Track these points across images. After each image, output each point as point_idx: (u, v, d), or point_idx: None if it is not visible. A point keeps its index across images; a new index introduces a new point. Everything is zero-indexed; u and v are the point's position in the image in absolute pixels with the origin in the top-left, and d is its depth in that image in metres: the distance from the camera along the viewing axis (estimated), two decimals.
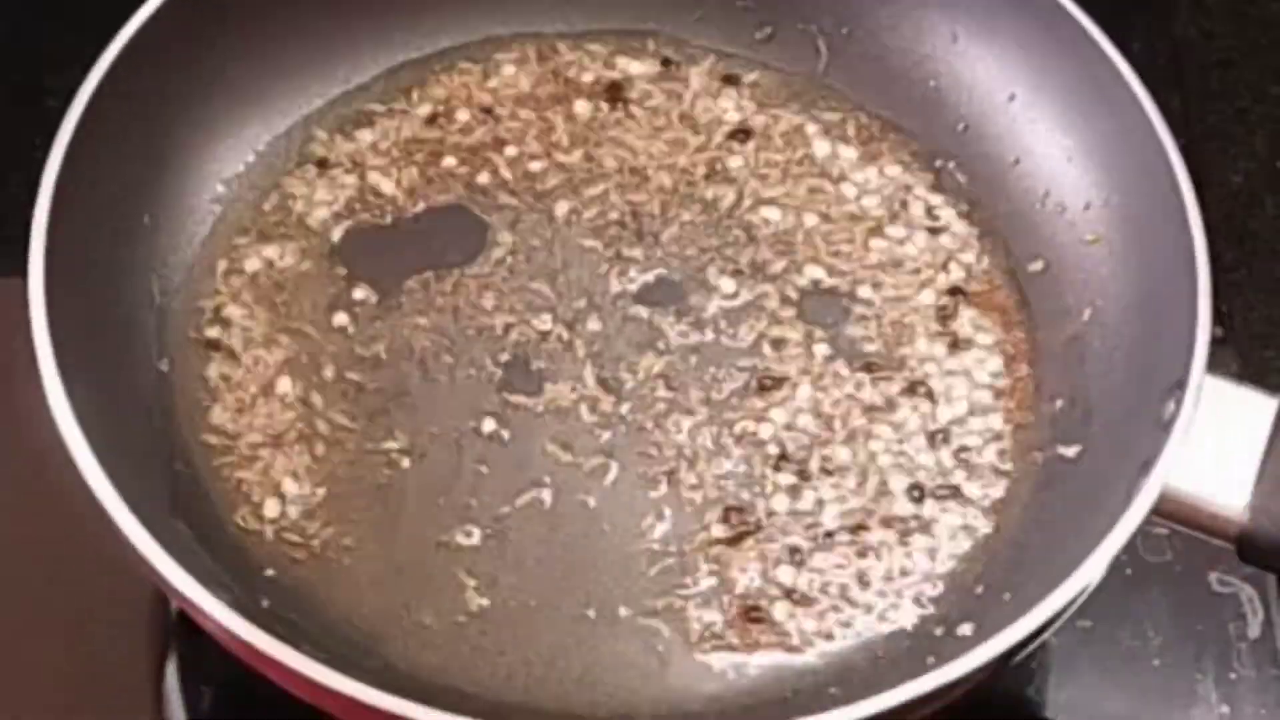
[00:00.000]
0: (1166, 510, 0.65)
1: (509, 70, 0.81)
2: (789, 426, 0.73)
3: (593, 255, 0.76)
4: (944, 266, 0.77)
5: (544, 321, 0.75)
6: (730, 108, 0.81)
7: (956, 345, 0.75)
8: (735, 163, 0.79)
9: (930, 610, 0.69)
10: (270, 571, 0.68)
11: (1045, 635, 0.63)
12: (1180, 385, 0.66)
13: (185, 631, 0.72)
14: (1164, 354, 0.68)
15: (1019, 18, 0.77)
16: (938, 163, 0.79)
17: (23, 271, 0.67)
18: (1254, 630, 0.76)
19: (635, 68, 0.82)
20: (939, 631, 0.67)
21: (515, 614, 0.68)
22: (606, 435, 0.72)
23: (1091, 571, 0.63)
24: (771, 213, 0.78)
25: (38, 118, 0.72)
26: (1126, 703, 0.75)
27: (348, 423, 0.72)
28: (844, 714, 0.60)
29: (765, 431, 0.72)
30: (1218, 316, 0.69)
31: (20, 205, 0.68)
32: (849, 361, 0.74)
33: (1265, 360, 0.84)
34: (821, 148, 0.80)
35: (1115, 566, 0.65)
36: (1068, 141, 0.77)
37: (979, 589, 0.69)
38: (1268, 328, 0.85)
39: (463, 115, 0.80)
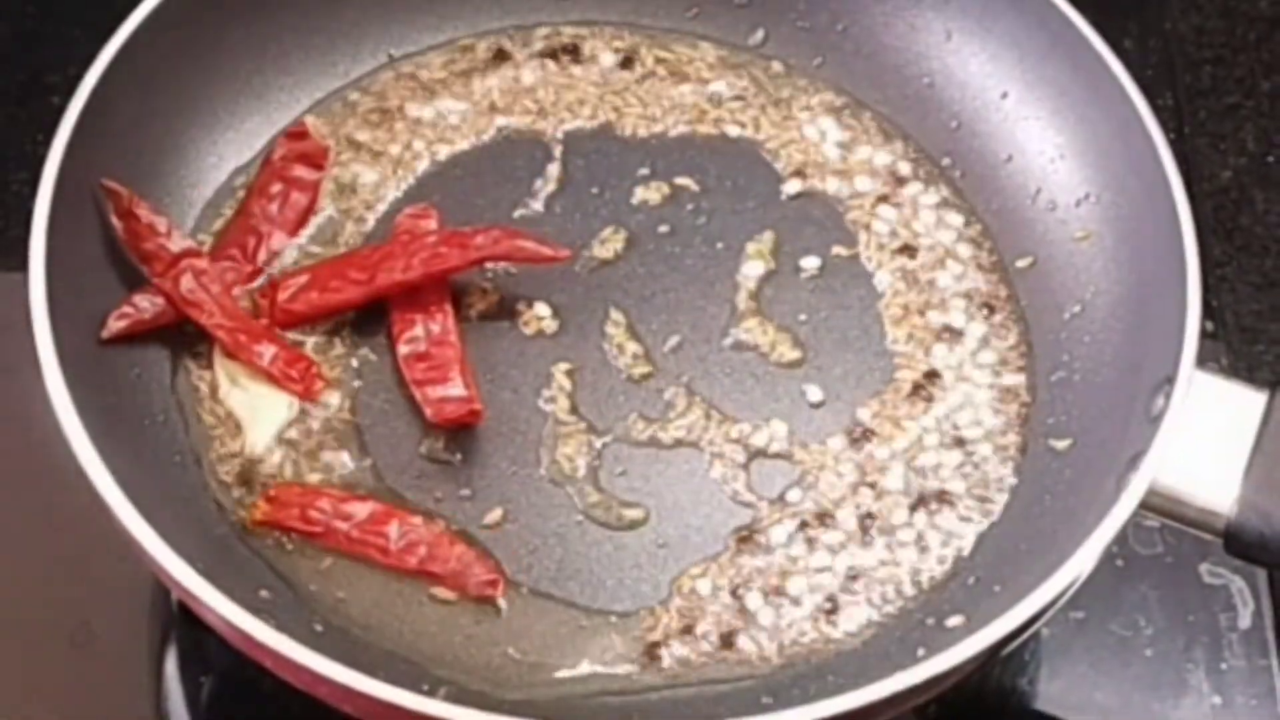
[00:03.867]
0: (1155, 504, 0.65)
1: (503, 64, 0.82)
2: (784, 425, 0.73)
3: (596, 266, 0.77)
4: (937, 263, 0.77)
5: (540, 310, 0.75)
6: (725, 92, 0.81)
7: (947, 341, 0.75)
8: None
9: (921, 602, 0.69)
10: (268, 563, 0.68)
11: (1035, 627, 0.63)
12: (1170, 380, 0.66)
13: (185, 622, 0.72)
14: (1154, 349, 0.69)
15: (1012, 16, 0.78)
16: (931, 159, 0.80)
17: (27, 266, 0.67)
18: (1244, 621, 0.77)
19: (620, 49, 0.82)
20: (930, 623, 0.67)
21: (509, 607, 0.68)
22: (601, 428, 0.72)
23: (1080, 564, 0.63)
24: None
25: (40, 114, 0.72)
26: (1118, 693, 0.76)
27: (347, 412, 0.72)
28: (834, 704, 0.60)
29: (761, 429, 0.73)
30: (1208, 311, 0.69)
31: (24, 201, 0.69)
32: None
33: (1255, 354, 0.84)
34: (812, 133, 0.81)
35: (1107, 558, 0.65)
36: (1059, 139, 0.77)
37: (970, 580, 0.69)
38: (1257, 322, 0.85)
39: (460, 109, 0.80)
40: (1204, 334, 0.68)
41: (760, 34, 0.82)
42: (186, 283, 0.71)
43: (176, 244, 0.72)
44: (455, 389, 0.71)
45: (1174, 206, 0.70)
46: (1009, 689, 0.75)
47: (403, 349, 0.72)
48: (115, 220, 0.71)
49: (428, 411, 0.71)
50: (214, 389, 0.72)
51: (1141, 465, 0.65)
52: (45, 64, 0.87)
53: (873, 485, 0.72)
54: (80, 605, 0.74)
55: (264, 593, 0.66)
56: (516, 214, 0.77)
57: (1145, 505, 0.65)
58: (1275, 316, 0.86)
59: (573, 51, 0.82)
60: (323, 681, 0.61)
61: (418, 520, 0.69)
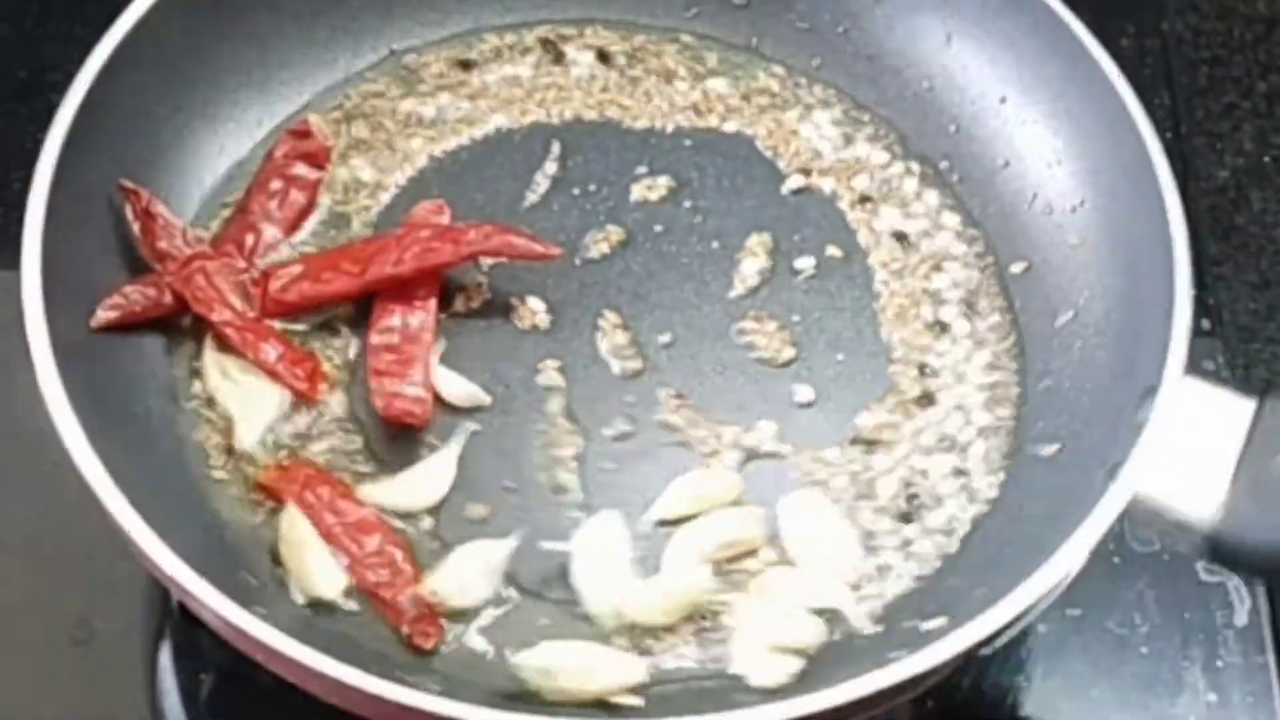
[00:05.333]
0: (1137, 512, 0.65)
1: (502, 61, 0.82)
2: (774, 425, 0.73)
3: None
4: (933, 266, 0.77)
5: (534, 306, 0.75)
6: (724, 90, 0.82)
7: (941, 344, 0.75)
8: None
9: (906, 602, 0.69)
10: (266, 560, 0.69)
11: (1015, 629, 0.63)
12: (1154, 389, 0.66)
13: (183, 619, 0.73)
14: (1144, 357, 0.68)
15: (1011, 19, 0.78)
16: (929, 162, 0.80)
17: None
18: (1241, 618, 0.77)
19: (619, 47, 0.83)
20: (913, 623, 0.67)
21: (506, 604, 0.69)
22: (593, 425, 0.73)
23: (1061, 569, 0.63)
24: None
25: (40, 112, 0.72)
26: (1115, 690, 0.76)
27: (342, 405, 0.72)
28: (814, 701, 0.61)
29: (752, 429, 0.73)
30: (1204, 310, 0.69)
31: (23, 199, 0.69)
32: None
33: (1251, 353, 0.84)
34: (810, 134, 0.81)
35: (1103, 556, 0.65)
36: (1057, 144, 0.77)
37: (954, 582, 0.69)
38: (1254, 321, 0.85)
39: (459, 105, 0.80)
40: (1201, 333, 0.68)
41: (759, 35, 0.83)
42: (199, 281, 0.72)
43: (191, 245, 0.73)
44: (411, 388, 0.71)
45: (1165, 216, 0.70)
46: (1005, 686, 0.76)
47: (374, 337, 0.72)
48: (131, 220, 0.72)
49: (378, 403, 0.71)
50: (206, 383, 0.72)
51: (1120, 474, 0.65)
52: (45, 62, 0.88)
53: (862, 486, 0.72)
54: (78, 603, 0.74)
55: (256, 585, 0.67)
56: (514, 210, 0.77)
57: (1129, 512, 0.65)
58: (1271, 315, 0.85)
59: (573, 49, 0.82)
60: (317, 676, 0.61)
61: (399, 553, 0.68)
